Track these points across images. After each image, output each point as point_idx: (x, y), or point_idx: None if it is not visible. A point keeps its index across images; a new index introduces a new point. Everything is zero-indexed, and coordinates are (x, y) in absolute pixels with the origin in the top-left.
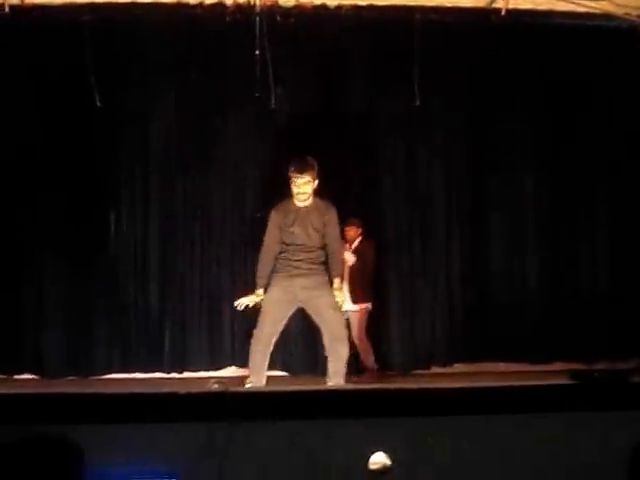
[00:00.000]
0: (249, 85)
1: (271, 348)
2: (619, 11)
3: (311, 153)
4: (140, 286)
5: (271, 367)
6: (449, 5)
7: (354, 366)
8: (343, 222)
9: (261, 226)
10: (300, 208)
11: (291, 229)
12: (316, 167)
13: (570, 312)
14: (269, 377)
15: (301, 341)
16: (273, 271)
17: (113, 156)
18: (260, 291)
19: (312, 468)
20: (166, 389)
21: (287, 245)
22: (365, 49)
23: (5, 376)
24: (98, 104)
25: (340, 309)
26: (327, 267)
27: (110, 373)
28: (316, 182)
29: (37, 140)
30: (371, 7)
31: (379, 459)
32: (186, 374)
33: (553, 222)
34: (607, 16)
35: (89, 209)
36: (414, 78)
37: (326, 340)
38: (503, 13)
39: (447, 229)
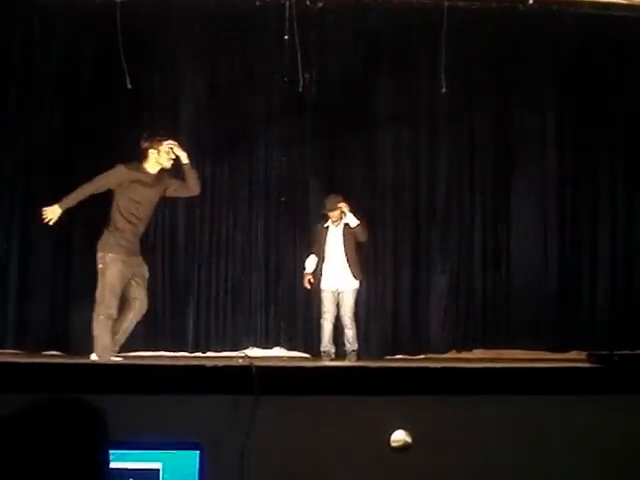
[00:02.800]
0: (277, 69)
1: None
2: None
3: (336, 137)
4: (166, 266)
5: (293, 348)
6: None
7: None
8: (324, 206)
9: (286, 210)
10: (151, 174)
11: (139, 194)
12: None
13: (590, 301)
14: (290, 358)
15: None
16: (114, 245)
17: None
18: (58, 207)
19: (334, 443)
20: (192, 362)
21: (137, 219)
22: (392, 35)
23: (33, 352)
24: (129, 86)
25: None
26: None
27: (134, 351)
28: None
29: (66, 120)
30: None
31: (400, 437)
32: (209, 354)
33: (574, 210)
34: (634, 7)
35: None
36: (441, 65)
37: (137, 311)
38: (531, 1)
39: (470, 215)
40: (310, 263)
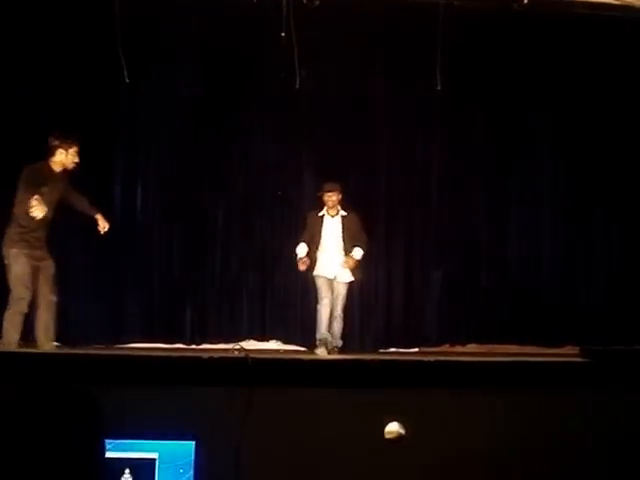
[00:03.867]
0: (274, 66)
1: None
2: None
3: (332, 134)
4: (163, 259)
5: (290, 341)
6: None
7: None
8: (322, 188)
9: (281, 204)
10: (55, 172)
11: (42, 191)
12: None
13: (585, 297)
14: (286, 351)
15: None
16: (17, 239)
17: (139, 132)
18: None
19: (329, 435)
20: (189, 354)
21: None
22: (389, 33)
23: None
24: (127, 80)
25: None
26: None
27: (132, 343)
28: None
29: (64, 114)
30: None
31: (394, 428)
32: (205, 346)
33: (570, 207)
34: (627, 7)
35: (115, 183)
36: (436, 63)
37: (44, 307)
38: (525, 1)
39: (465, 211)
40: (301, 249)
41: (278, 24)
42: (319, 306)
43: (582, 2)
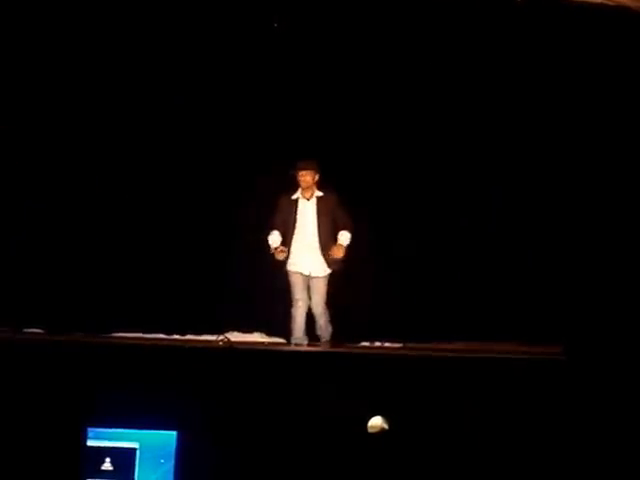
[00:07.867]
0: (264, 55)
1: None
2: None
3: (319, 120)
4: (147, 248)
5: (274, 333)
6: None
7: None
8: (295, 166)
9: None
10: None
11: None
12: None
13: (570, 297)
14: (270, 342)
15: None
16: None
17: (124, 117)
18: None
19: (312, 427)
20: (173, 344)
21: None
22: (380, 24)
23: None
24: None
25: None
26: None
27: (114, 332)
28: None
29: (53, 107)
30: None
31: (377, 422)
32: (189, 337)
33: (554, 207)
34: (622, 8)
35: (101, 174)
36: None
37: None
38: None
39: (449, 206)
40: (274, 238)
41: (269, 15)
42: (293, 309)
43: (576, 2)
